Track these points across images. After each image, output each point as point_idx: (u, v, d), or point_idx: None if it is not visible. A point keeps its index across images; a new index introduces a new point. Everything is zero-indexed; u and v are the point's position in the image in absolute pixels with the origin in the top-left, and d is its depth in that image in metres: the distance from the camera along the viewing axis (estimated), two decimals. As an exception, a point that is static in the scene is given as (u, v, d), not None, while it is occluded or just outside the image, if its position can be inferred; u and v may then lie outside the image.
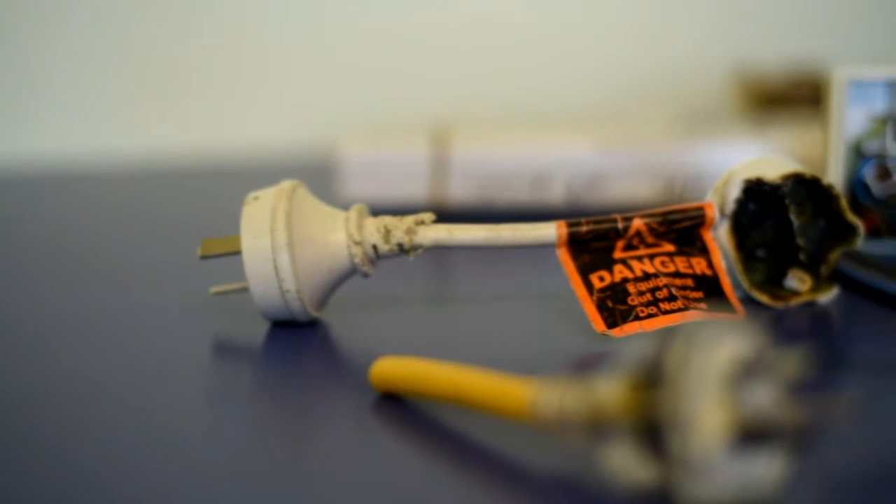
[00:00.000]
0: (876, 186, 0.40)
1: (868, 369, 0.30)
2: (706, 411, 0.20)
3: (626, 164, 0.48)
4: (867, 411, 0.26)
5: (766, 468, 0.21)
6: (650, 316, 0.31)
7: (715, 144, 0.48)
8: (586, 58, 0.72)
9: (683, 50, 0.71)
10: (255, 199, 0.33)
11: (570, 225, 0.32)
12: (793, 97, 0.59)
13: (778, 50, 0.67)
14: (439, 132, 0.50)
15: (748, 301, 0.34)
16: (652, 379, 0.21)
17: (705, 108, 0.68)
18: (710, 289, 0.33)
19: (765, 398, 0.20)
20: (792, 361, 0.21)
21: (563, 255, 0.32)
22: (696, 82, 0.70)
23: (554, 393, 0.22)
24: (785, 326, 0.33)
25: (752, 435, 0.20)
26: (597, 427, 0.21)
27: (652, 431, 0.20)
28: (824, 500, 0.22)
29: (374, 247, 0.32)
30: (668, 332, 0.21)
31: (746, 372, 0.20)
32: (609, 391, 0.21)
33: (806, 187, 0.35)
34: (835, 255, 0.28)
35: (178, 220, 0.54)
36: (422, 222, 0.33)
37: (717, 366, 0.20)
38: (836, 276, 0.28)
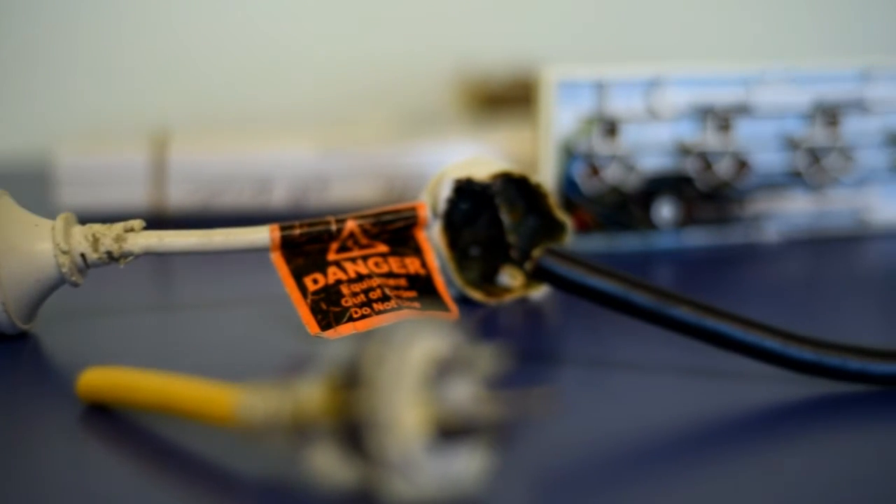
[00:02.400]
0: (585, 184, 0.42)
1: (573, 362, 0.31)
2: (402, 410, 0.20)
3: (347, 165, 0.48)
4: (570, 403, 0.27)
5: (467, 464, 0.21)
6: (364, 317, 0.32)
7: (434, 145, 0.49)
8: (307, 61, 0.72)
9: (406, 52, 0.72)
10: (-45, 209, 0.31)
11: (282, 228, 0.32)
12: (512, 97, 0.61)
13: (500, 50, 0.69)
14: (157, 137, 0.49)
15: (463, 299, 0.35)
16: (351, 380, 0.21)
17: (428, 109, 0.69)
18: (423, 288, 0.33)
19: (462, 395, 0.21)
20: (489, 357, 0.21)
21: (277, 259, 0.32)
22: (419, 84, 0.71)
23: (257, 397, 0.22)
24: (498, 323, 0.34)
25: (450, 431, 0.20)
26: (299, 429, 0.21)
27: (353, 432, 0.21)
28: (526, 493, 0.23)
29: (83, 255, 0.32)
30: (369, 333, 0.21)
31: (443, 369, 0.21)
32: (310, 393, 0.21)
33: (516, 186, 0.35)
34: (537, 252, 0.29)
35: None
36: (131, 229, 0.32)
37: (412, 364, 0.20)
38: (544, 272, 0.29)
